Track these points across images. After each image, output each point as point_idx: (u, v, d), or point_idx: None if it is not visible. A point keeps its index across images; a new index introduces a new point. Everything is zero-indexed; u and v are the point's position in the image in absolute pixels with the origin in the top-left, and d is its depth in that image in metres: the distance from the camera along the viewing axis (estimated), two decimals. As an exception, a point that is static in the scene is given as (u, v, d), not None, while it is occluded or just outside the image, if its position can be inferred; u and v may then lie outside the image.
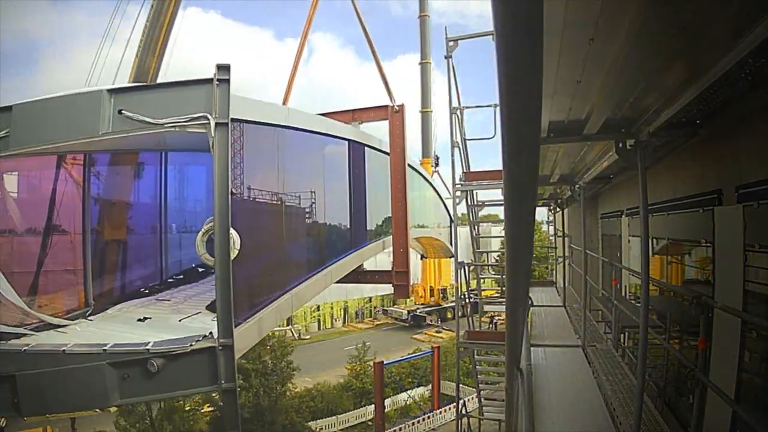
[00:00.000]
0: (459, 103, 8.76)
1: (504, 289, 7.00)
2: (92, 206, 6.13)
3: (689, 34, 2.26)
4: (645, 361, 3.50)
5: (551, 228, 16.31)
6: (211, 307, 5.15)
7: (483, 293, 10.92)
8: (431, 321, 33.08)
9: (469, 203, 8.94)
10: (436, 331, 31.29)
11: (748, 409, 3.06)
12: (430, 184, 19.54)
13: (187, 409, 17.49)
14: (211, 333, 4.03)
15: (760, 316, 3.22)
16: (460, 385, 9.71)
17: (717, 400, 3.10)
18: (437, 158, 31.98)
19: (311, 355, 27.09)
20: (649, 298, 3.92)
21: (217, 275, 3.94)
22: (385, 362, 20.83)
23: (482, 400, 10.94)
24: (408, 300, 38.95)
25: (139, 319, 5.13)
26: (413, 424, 19.72)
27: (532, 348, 6.03)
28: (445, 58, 8.41)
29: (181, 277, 6.96)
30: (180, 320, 4.97)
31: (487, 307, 10.81)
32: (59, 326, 4.80)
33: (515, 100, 1.18)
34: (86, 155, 5.82)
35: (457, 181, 8.17)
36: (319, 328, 36.85)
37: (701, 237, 4.26)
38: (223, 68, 3.95)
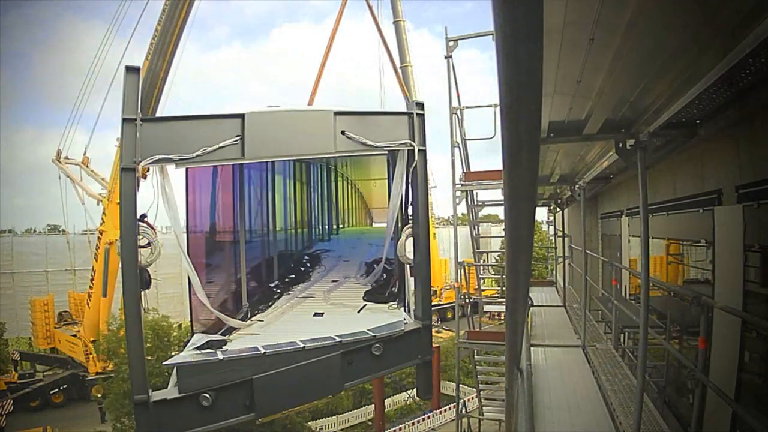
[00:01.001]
0: (459, 103, 8.77)
1: (504, 289, 7.00)
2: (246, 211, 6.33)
3: (689, 34, 2.26)
4: (645, 361, 3.50)
5: (551, 228, 16.31)
6: (371, 295, 6.06)
7: (483, 293, 10.92)
8: (431, 321, 33.07)
9: (469, 203, 8.94)
10: (436, 331, 31.27)
11: (748, 409, 3.05)
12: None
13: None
14: (405, 319, 4.79)
15: (760, 316, 3.22)
16: (460, 385, 9.71)
17: (717, 400, 3.10)
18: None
19: (311, 355, 26.99)
20: (649, 298, 3.92)
21: (416, 273, 4.81)
22: (385, 362, 20.79)
23: (482, 400, 10.94)
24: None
25: (316, 314, 5.58)
26: (413, 424, 19.72)
27: (532, 348, 6.03)
28: (445, 58, 8.42)
29: (293, 276, 7.26)
30: (358, 311, 5.58)
31: (487, 307, 10.81)
32: (238, 329, 5.00)
33: (515, 100, 1.18)
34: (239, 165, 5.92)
35: (457, 181, 8.17)
36: (318, 328, 36.86)
37: (701, 237, 4.26)
38: (419, 104, 4.70)
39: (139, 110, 3.66)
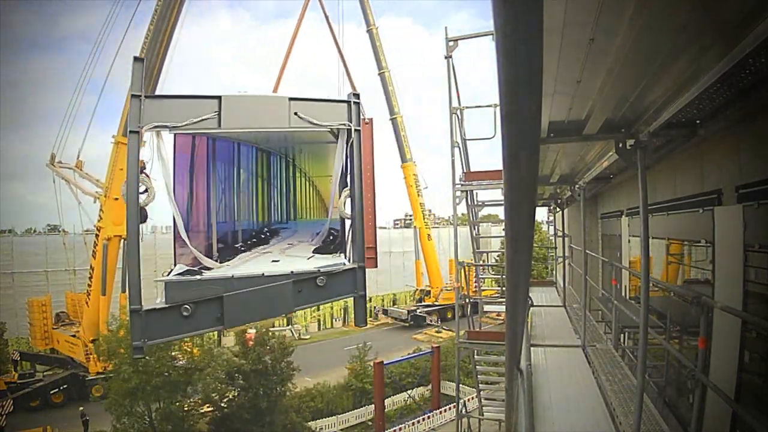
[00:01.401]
0: (459, 103, 8.77)
1: (504, 289, 7.00)
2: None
3: (689, 34, 2.26)
4: (645, 361, 3.50)
5: (551, 228, 16.32)
6: (319, 251, 7.05)
7: (483, 293, 10.92)
8: (431, 321, 33.08)
9: (469, 203, 8.94)
10: (436, 331, 31.28)
11: (748, 409, 3.05)
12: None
13: (187, 409, 17.47)
14: (344, 262, 5.88)
15: (760, 316, 3.22)
16: (460, 385, 9.71)
17: (717, 400, 3.10)
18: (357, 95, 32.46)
19: (311, 355, 27.09)
20: (649, 298, 3.92)
21: (352, 225, 5.93)
22: (385, 362, 20.82)
23: (482, 400, 10.94)
24: (408, 300, 39.04)
25: (273, 261, 6.78)
26: (413, 424, 19.72)
27: (532, 348, 6.03)
28: (445, 58, 8.43)
29: (255, 240, 8.52)
30: (308, 258, 6.65)
31: (487, 307, 10.81)
32: (213, 268, 6.15)
33: (515, 100, 1.18)
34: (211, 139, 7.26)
35: (457, 181, 8.17)
36: (319, 328, 36.88)
37: (701, 237, 4.26)
38: (356, 95, 5.87)
39: (142, 89, 5.00)
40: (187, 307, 4.88)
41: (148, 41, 20.84)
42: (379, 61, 30.39)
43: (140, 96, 4.92)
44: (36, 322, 25.23)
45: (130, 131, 4.92)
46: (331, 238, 7.90)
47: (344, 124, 5.73)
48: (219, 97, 5.28)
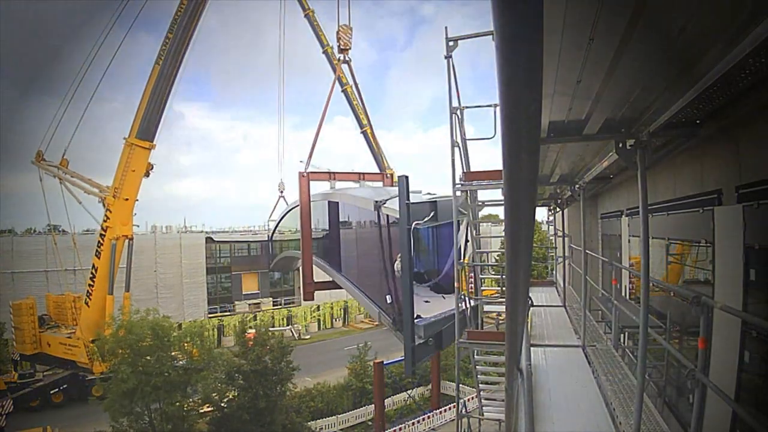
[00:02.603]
0: (459, 103, 8.75)
1: (504, 289, 7.00)
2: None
3: (689, 34, 2.26)
4: (645, 361, 3.50)
5: (551, 228, 16.30)
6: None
7: (483, 293, 10.92)
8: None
9: (469, 203, 8.93)
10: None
11: (748, 409, 3.06)
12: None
13: (187, 409, 17.46)
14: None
15: (760, 316, 3.22)
16: (460, 385, 9.70)
17: (717, 400, 3.10)
18: None
19: (311, 355, 27.09)
20: (649, 298, 3.92)
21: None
22: (385, 362, 20.82)
23: (482, 400, 10.93)
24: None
25: (426, 302, 11.15)
26: (413, 424, 19.72)
27: (532, 348, 6.02)
28: (445, 58, 8.40)
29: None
30: (444, 298, 10.93)
31: (487, 307, 10.80)
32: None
33: (515, 100, 1.18)
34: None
35: (457, 181, 8.15)
36: (319, 328, 36.91)
37: (701, 237, 4.26)
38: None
39: (409, 198, 9.55)
40: (431, 339, 9.46)
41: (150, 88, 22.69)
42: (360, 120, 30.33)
43: (408, 203, 9.20)
44: (25, 325, 24.41)
45: (404, 228, 9.33)
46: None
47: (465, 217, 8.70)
48: (435, 202, 10.14)
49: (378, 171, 30.86)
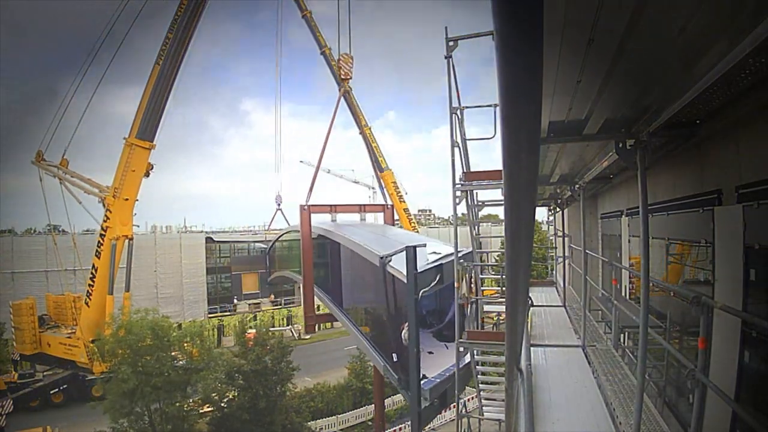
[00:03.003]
0: (459, 103, 8.75)
1: (504, 289, 7.00)
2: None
3: (689, 34, 2.26)
4: (645, 361, 3.50)
5: (551, 228, 16.30)
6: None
7: (483, 293, 10.92)
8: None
9: (469, 203, 8.92)
10: (436, 331, 31.23)
11: (748, 409, 3.05)
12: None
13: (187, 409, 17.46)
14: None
15: (760, 316, 3.21)
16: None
17: (717, 400, 3.10)
18: None
19: (311, 355, 27.08)
20: (649, 298, 3.92)
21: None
22: (385, 362, 20.78)
23: (482, 400, 10.93)
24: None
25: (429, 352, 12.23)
26: (413, 424, 19.70)
27: (532, 348, 6.03)
28: (445, 58, 8.40)
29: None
30: (447, 347, 11.59)
31: (487, 307, 10.79)
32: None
33: (515, 100, 1.18)
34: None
35: (457, 181, 8.15)
36: (319, 328, 36.87)
37: (701, 237, 4.26)
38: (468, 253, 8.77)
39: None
40: (436, 400, 10.23)
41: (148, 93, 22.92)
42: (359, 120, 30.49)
43: (416, 273, 9.98)
44: (25, 325, 24.47)
45: (412, 298, 9.95)
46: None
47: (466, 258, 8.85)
48: (441, 266, 10.78)
49: (377, 174, 31.02)
